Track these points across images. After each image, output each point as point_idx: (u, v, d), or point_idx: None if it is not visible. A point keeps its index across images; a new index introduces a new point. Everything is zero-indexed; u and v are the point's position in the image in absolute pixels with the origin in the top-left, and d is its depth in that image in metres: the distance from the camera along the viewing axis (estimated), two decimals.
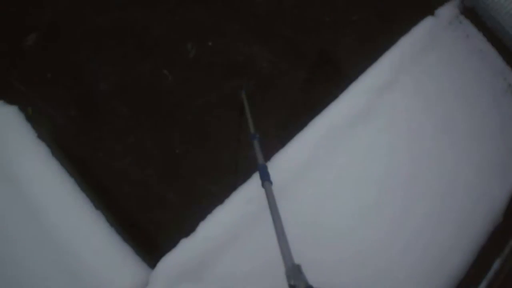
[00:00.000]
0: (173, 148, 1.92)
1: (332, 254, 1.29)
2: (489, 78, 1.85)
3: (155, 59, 2.10)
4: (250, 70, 2.16)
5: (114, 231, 1.22)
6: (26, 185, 1.23)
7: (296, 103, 2.11)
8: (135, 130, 1.92)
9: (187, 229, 1.25)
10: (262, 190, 1.10)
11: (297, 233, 0.93)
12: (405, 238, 1.40)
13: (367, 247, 1.34)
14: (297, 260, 0.80)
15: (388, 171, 1.50)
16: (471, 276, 1.43)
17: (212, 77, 2.10)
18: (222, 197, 1.33)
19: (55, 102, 1.91)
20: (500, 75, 1.88)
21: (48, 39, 2.08)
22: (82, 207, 1.24)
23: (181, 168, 1.88)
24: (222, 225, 1.26)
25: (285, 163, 1.40)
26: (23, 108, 1.43)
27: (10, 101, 1.43)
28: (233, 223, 1.26)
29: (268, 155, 1.40)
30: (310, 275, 0.74)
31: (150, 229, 1.68)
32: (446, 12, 1.89)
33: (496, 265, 1.49)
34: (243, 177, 1.38)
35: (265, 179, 1.13)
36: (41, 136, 1.35)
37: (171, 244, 1.22)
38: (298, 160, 1.42)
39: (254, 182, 1.34)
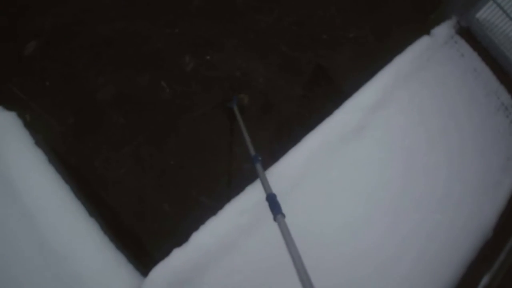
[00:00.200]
0: (168, 159, 1.94)
1: (321, 263, 1.29)
2: (483, 97, 1.88)
3: (153, 70, 2.13)
4: (247, 85, 2.19)
5: (107, 238, 1.22)
6: (22, 191, 1.23)
7: (291, 118, 2.14)
8: (131, 140, 1.94)
9: (180, 238, 1.26)
10: (255, 202, 1.08)
11: None
12: (394, 252, 1.41)
13: (355, 259, 1.34)
14: None
15: (380, 185, 1.52)
16: None
17: (209, 90, 2.14)
18: (215, 209, 1.34)
19: (53, 110, 1.93)
20: (494, 94, 1.91)
21: (48, 47, 2.11)
22: (77, 214, 1.24)
23: (176, 179, 1.90)
24: (215, 236, 1.27)
25: (279, 176, 1.41)
26: (21, 115, 1.43)
27: (8, 107, 1.43)
28: (225, 234, 1.27)
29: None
30: None
31: (144, 237, 1.69)
32: (442, 32, 1.92)
33: (485, 280, 1.50)
34: (237, 189, 1.39)
35: (277, 212, 0.97)
36: (38, 143, 1.36)
37: (164, 253, 1.23)
38: (291, 173, 1.43)
39: (247, 194, 1.35)
